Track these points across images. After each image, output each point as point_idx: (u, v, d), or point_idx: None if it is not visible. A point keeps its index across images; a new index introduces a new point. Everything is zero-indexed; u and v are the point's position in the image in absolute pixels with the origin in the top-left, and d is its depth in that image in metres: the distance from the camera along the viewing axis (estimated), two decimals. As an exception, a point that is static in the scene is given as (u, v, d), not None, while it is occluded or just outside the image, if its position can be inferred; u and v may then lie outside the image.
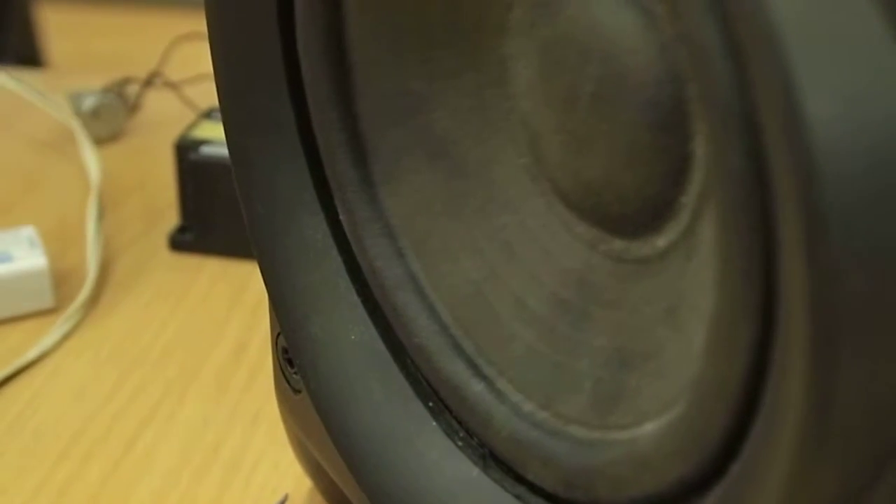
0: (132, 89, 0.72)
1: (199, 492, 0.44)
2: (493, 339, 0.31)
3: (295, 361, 0.35)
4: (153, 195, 0.65)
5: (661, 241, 0.27)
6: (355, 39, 0.32)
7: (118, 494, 0.44)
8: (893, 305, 0.19)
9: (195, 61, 0.72)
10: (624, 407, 0.28)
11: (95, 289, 0.56)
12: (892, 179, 0.19)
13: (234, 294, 0.56)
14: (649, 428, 0.26)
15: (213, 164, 0.57)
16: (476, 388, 0.31)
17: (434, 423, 0.32)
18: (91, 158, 0.62)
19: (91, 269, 0.57)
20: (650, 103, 0.25)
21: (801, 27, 0.19)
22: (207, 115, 0.61)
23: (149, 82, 0.71)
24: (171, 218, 0.62)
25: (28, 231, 0.56)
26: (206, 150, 0.57)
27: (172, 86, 0.71)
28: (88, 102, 0.70)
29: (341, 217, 0.34)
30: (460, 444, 0.32)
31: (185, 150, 0.58)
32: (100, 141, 0.71)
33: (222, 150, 0.57)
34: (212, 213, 0.58)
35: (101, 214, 0.60)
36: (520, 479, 0.31)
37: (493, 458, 0.31)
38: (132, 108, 0.72)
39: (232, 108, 0.34)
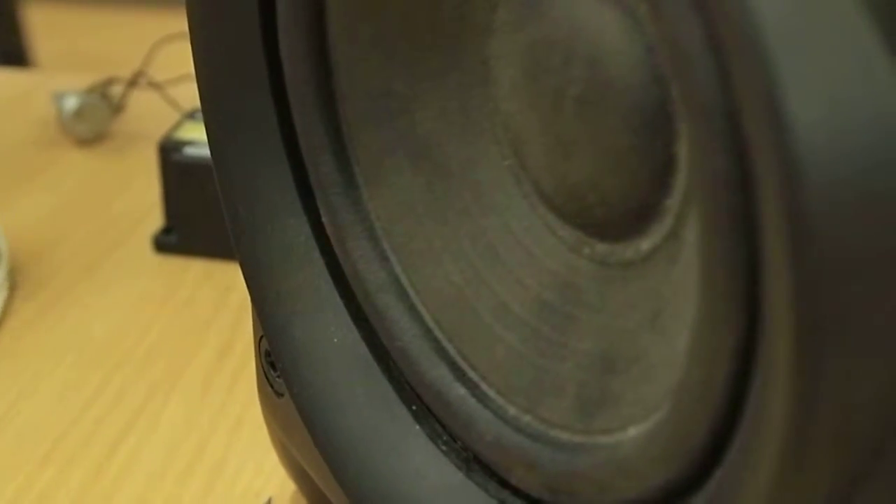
0: (116, 90, 0.71)
1: (182, 495, 0.44)
2: (476, 342, 0.31)
3: (277, 365, 0.35)
4: (137, 196, 0.65)
5: (645, 245, 0.27)
6: (338, 40, 0.32)
7: (101, 498, 0.43)
8: (878, 312, 0.19)
9: (179, 61, 0.72)
10: (608, 411, 0.27)
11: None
12: (877, 183, 0.19)
13: (219, 296, 0.56)
14: (633, 433, 0.26)
15: (197, 165, 0.57)
16: (459, 391, 0.31)
17: (417, 427, 0.32)
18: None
19: None
20: (635, 106, 0.25)
21: (784, 28, 0.19)
22: (191, 115, 0.60)
23: (133, 83, 0.71)
24: (155, 219, 0.61)
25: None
26: (190, 151, 0.57)
27: (157, 86, 0.71)
28: (72, 103, 0.70)
29: (324, 219, 0.33)
30: (444, 448, 0.32)
31: (169, 151, 0.57)
32: (84, 142, 0.70)
33: (206, 152, 0.56)
34: (196, 215, 0.58)
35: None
36: (504, 484, 0.30)
37: (477, 463, 0.31)
38: (116, 108, 0.71)
39: (214, 109, 0.34)
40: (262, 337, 0.35)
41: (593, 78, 0.26)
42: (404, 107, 0.32)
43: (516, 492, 0.30)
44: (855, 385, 0.20)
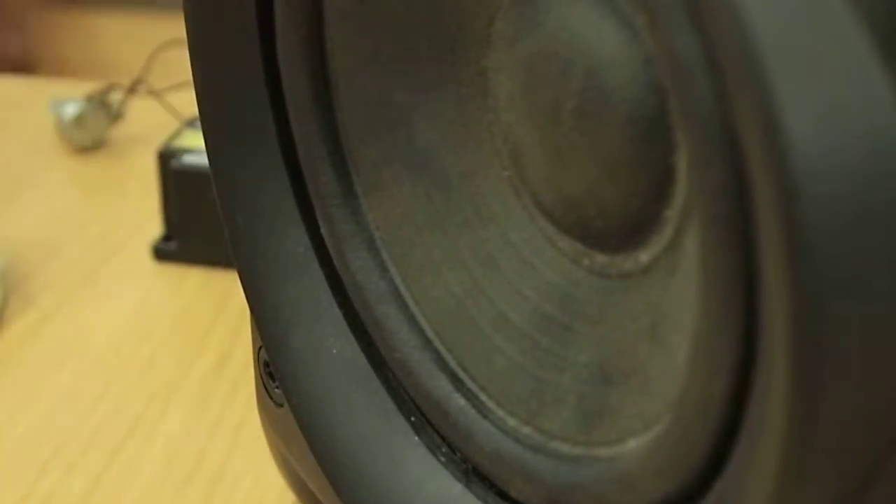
0: (115, 97, 0.71)
1: (181, 505, 0.44)
2: (476, 353, 0.31)
3: (276, 375, 0.35)
4: (136, 204, 0.65)
5: (644, 256, 0.27)
6: (336, 50, 0.32)
7: (100, 508, 0.43)
8: (877, 327, 0.19)
9: (178, 68, 0.72)
10: (607, 423, 0.27)
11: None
12: (875, 197, 0.19)
13: (218, 304, 0.56)
14: (633, 445, 0.26)
15: (196, 174, 0.57)
16: (458, 402, 0.31)
17: (416, 438, 0.32)
18: None
19: None
20: (633, 117, 0.25)
21: (780, 42, 0.19)
22: (191, 123, 0.60)
23: (132, 90, 0.71)
24: (154, 227, 0.61)
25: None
26: (189, 159, 0.57)
27: (156, 94, 0.71)
28: (71, 110, 0.70)
29: (323, 230, 0.33)
30: (443, 459, 0.32)
31: (168, 159, 0.57)
32: (82, 149, 0.70)
33: (206, 160, 0.56)
34: (195, 223, 0.58)
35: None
36: (503, 496, 0.30)
37: (476, 474, 0.31)
38: (115, 116, 0.71)
39: (212, 119, 0.34)
40: (260, 347, 0.35)
41: (591, 89, 0.26)
42: (403, 117, 0.32)
43: None
44: (854, 400, 0.20)
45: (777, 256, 0.19)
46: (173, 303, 0.56)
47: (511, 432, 0.30)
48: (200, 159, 0.57)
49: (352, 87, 0.32)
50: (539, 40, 0.27)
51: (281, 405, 0.35)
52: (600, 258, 0.28)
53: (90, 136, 0.70)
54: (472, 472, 0.31)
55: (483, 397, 0.31)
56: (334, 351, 0.33)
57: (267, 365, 0.35)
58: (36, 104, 0.76)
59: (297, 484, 0.38)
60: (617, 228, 0.27)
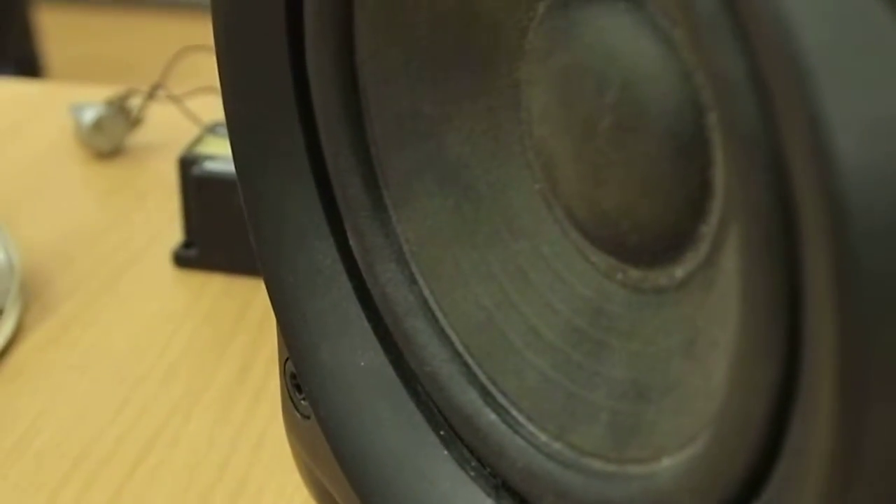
0: (135, 102, 0.71)
1: (204, 515, 0.43)
2: (507, 367, 0.31)
3: (303, 387, 0.34)
4: (156, 210, 0.65)
5: (679, 272, 0.27)
6: (366, 61, 0.32)
7: (122, 518, 0.43)
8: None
9: (198, 73, 0.72)
10: (641, 440, 0.27)
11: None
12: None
13: (239, 311, 0.56)
14: (667, 463, 0.26)
15: (217, 180, 0.56)
16: (489, 417, 0.31)
17: (446, 452, 0.32)
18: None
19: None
20: (670, 132, 0.25)
21: (828, 59, 0.19)
22: (212, 129, 0.60)
23: (151, 95, 0.71)
24: (173, 233, 0.61)
25: None
26: (210, 165, 0.57)
27: (175, 99, 0.70)
28: (90, 115, 0.70)
29: (351, 242, 0.33)
30: (472, 473, 0.32)
31: (190, 166, 0.57)
32: (101, 154, 0.70)
33: (227, 166, 0.56)
34: (216, 230, 0.57)
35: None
36: (533, 511, 0.30)
37: (506, 489, 0.31)
38: (134, 121, 0.71)
39: (240, 131, 0.34)
40: (287, 359, 0.35)
41: (628, 103, 0.26)
42: (433, 129, 0.31)
43: (546, 520, 0.30)
44: (901, 424, 0.20)
45: (823, 279, 0.19)
46: (194, 310, 0.56)
47: (543, 448, 0.29)
48: (221, 166, 0.57)
49: (381, 98, 0.32)
50: (574, 54, 0.27)
51: (307, 417, 0.35)
52: (634, 273, 0.28)
53: (109, 141, 0.70)
54: (502, 488, 0.31)
55: (514, 412, 0.30)
56: (362, 363, 0.33)
57: (294, 376, 0.35)
58: (55, 108, 0.76)
59: (322, 495, 0.38)
60: (652, 243, 0.27)
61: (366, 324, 0.33)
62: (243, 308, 0.56)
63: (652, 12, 0.25)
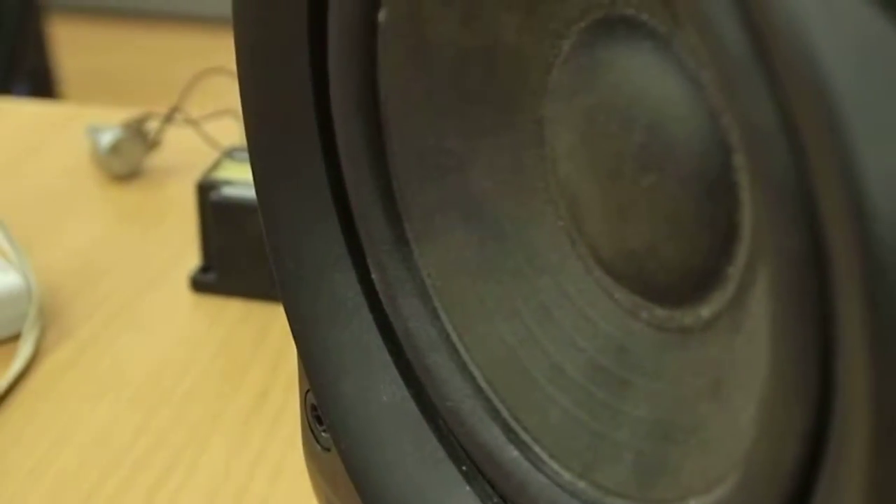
0: (152, 125, 0.71)
1: (222, 543, 0.43)
2: (530, 404, 0.30)
3: (324, 420, 0.34)
4: (173, 234, 0.65)
5: (705, 312, 0.27)
6: (389, 95, 0.32)
7: (141, 546, 0.43)
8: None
9: (215, 95, 0.72)
10: (666, 481, 0.27)
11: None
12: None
13: (257, 337, 0.56)
14: (694, 505, 0.26)
15: (235, 206, 0.56)
16: (511, 454, 0.30)
17: (468, 488, 0.32)
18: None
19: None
20: (697, 172, 0.25)
21: (862, 108, 0.19)
22: (229, 154, 0.60)
23: (169, 118, 0.71)
24: (191, 258, 0.61)
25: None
26: (228, 191, 0.57)
27: (192, 122, 0.71)
28: (108, 138, 0.70)
29: (373, 275, 0.33)
30: (494, 510, 0.31)
31: (208, 191, 0.57)
32: (118, 177, 0.70)
33: (245, 191, 0.56)
34: (234, 255, 0.57)
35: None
36: (556, 549, 0.30)
37: (529, 526, 0.31)
38: (151, 144, 0.71)
39: (263, 163, 0.34)
40: (308, 391, 0.35)
41: (654, 144, 0.26)
42: (456, 164, 0.31)
43: (569, 558, 0.30)
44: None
45: (857, 327, 0.19)
46: (212, 335, 0.56)
47: (566, 486, 0.29)
48: (240, 191, 0.57)
49: (404, 133, 0.32)
50: (600, 93, 0.27)
51: (328, 449, 0.35)
52: (659, 312, 0.28)
53: (126, 164, 0.70)
54: (524, 525, 0.31)
55: (537, 449, 0.30)
56: (384, 398, 0.33)
57: (314, 408, 0.35)
58: (72, 130, 0.76)
59: (342, 527, 0.38)
60: (678, 283, 0.27)
61: (388, 357, 0.33)
62: (261, 333, 0.56)
63: (678, 52, 0.25)
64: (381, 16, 0.30)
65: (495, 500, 0.31)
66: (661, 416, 0.27)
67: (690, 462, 0.26)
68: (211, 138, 0.69)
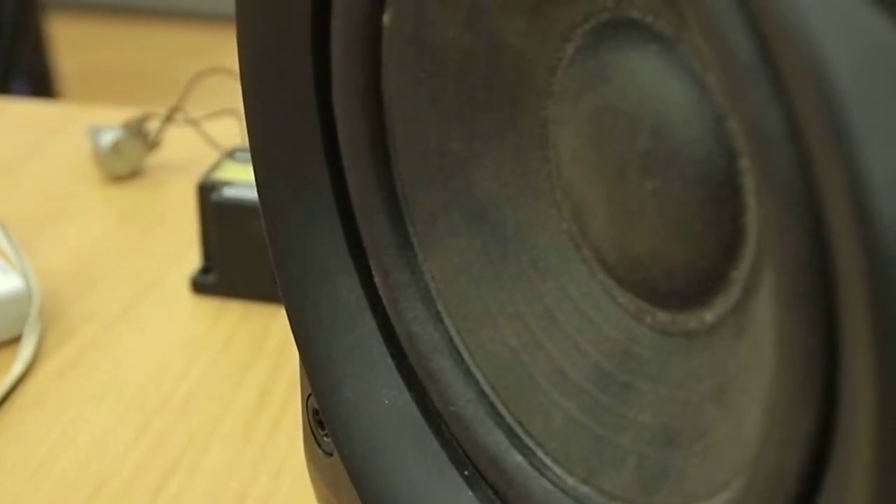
0: (152, 125, 0.71)
1: (223, 546, 0.43)
2: (533, 408, 0.30)
3: (326, 424, 0.34)
4: (174, 234, 0.65)
5: (709, 316, 0.27)
6: (393, 99, 0.31)
7: (141, 549, 0.43)
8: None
9: (215, 95, 0.72)
10: (670, 486, 0.27)
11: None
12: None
13: (258, 338, 0.55)
14: (698, 510, 0.26)
15: (236, 206, 0.56)
16: (515, 458, 0.30)
17: (470, 493, 0.32)
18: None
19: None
20: (702, 176, 0.25)
21: (868, 115, 0.19)
22: (230, 154, 0.60)
23: (169, 118, 0.71)
24: (192, 258, 0.61)
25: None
26: (229, 191, 0.57)
27: (193, 122, 0.70)
28: (108, 138, 0.70)
29: (376, 279, 0.33)
30: (497, 515, 0.31)
31: (209, 192, 0.57)
32: (119, 177, 0.70)
33: (245, 192, 0.56)
34: (235, 256, 0.57)
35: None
36: (560, 554, 0.30)
37: (532, 531, 0.31)
38: (152, 144, 0.71)
39: (266, 167, 0.34)
40: (310, 395, 0.35)
41: (659, 147, 0.26)
42: (460, 167, 0.31)
43: (572, 563, 0.30)
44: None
45: (862, 333, 0.19)
46: (213, 336, 0.56)
47: (570, 491, 0.29)
48: (240, 192, 0.57)
49: (408, 136, 0.32)
50: (605, 96, 0.27)
51: (330, 454, 0.35)
52: (663, 316, 0.28)
53: (127, 164, 0.70)
54: (527, 530, 0.31)
55: (540, 454, 0.30)
56: (386, 402, 0.33)
57: (316, 413, 0.35)
58: (72, 130, 0.76)
59: (344, 530, 0.38)
60: (682, 287, 0.27)
61: (390, 361, 0.33)
62: (262, 334, 0.56)
63: (683, 55, 0.25)
64: (386, 18, 0.30)
65: (498, 504, 0.31)
66: (665, 421, 0.27)
67: (694, 467, 0.26)
68: (212, 138, 0.69)
